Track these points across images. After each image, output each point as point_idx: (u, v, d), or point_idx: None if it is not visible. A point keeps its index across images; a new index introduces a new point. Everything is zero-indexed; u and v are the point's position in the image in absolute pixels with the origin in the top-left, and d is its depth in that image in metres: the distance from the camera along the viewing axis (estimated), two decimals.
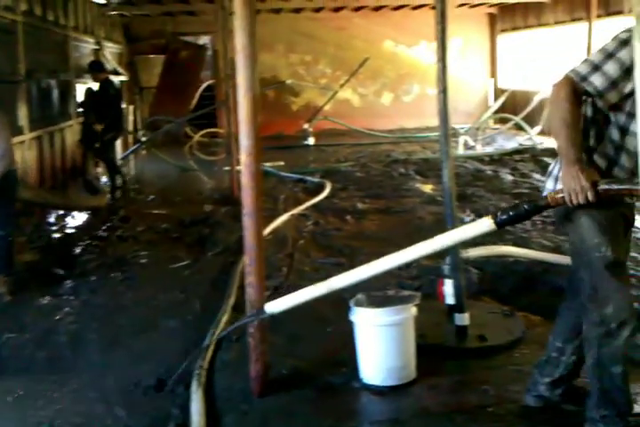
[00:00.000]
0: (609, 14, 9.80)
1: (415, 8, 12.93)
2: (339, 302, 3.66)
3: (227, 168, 8.01)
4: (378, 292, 3.01)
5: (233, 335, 3.24)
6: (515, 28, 13.39)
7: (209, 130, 11.97)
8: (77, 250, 5.00)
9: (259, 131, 2.96)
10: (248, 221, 2.87)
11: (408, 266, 4.12)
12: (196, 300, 3.80)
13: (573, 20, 11.04)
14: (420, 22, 13.01)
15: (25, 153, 6.72)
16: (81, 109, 8.30)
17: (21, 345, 3.20)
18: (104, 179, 8.37)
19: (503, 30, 13.91)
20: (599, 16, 9.04)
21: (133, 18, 12.81)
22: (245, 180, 2.89)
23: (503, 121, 12.07)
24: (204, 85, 14.05)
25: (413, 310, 2.80)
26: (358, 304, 2.80)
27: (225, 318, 3.42)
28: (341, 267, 4.32)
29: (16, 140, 6.44)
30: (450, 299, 3.18)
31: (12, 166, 4.00)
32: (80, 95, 8.51)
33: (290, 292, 3.83)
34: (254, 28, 2.85)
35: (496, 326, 3.28)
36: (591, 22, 7.86)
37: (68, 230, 5.62)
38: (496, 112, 11.70)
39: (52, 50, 8.03)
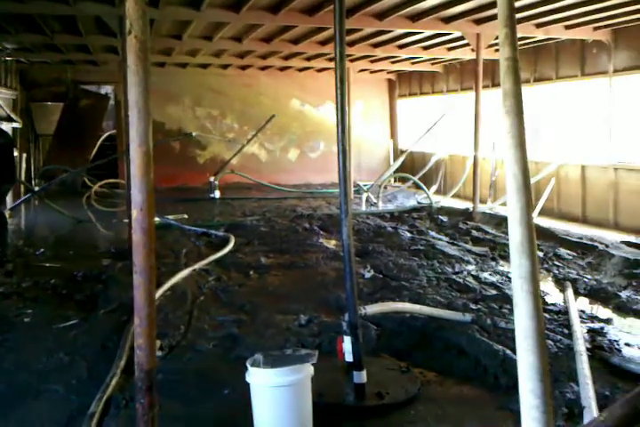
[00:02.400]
0: (494, 85, 10.79)
1: (319, 70, 13.55)
2: (238, 362, 3.57)
3: (126, 220, 7.74)
4: (276, 351, 2.96)
5: (122, 400, 3.04)
6: (412, 94, 14.34)
7: (109, 180, 11.59)
8: None
9: (152, 185, 2.90)
10: (139, 280, 2.74)
11: (309, 322, 4.11)
12: (82, 362, 3.54)
13: (464, 89, 12.04)
14: (324, 83, 13.63)
15: None
16: None
17: None
18: None
19: (402, 95, 14.84)
20: (485, 86, 9.91)
21: (31, 64, 12.44)
22: (136, 236, 2.78)
23: (403, 180, 12.69)
24: (105, 135, 13.75)
25: (310, 369, 2.76)
26: (254, 364, 2.72)
27: (114, 382, 3.21)
28: (242, 324, 4.24)
29: None
30: (349, 356, 3.19)
31: None
32: None
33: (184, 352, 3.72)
34: (148, 84, 2.85)
35: (393, 382, 3.31)
36: (478, 92, 8.56)
37: None
38: (396, 171, 12.28)
39: None
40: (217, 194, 11.74)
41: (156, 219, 8.47)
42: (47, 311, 4.55)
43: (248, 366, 2.74)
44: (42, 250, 6.90)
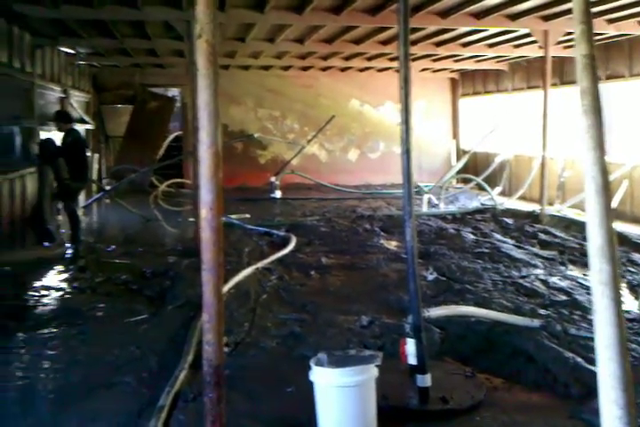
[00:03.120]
0: (563, 83, 10.42)
1: (380, 70, 13.48)
2: (301, 361, 3.61)
3: (191, 219, 7.96)
4: (339, 351, 2.96)
5: (190, 394, 3.12)
6: (475, 93, 14.04)
7: (175, 180, 11.96)
8: (31, 301, 4.80)
9: (221, 186, 2.97)
10: (207, 277, 2.82)
11: (371, 324, 4.10)
12: (152, 356, 3.67)
13: (530, 87, 11.68)
14: (384, 83, 13.57)
15: None
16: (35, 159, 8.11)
17: None
18: (62, 229, 8.18)
19: (464, 94, 14.56)
20: (554, 85, 9.58)
21: (102, 68, 12.97)
22: (206, 234, 2.86)
23: (465, 181, 12.44)
24: (172, 136, 14.17)
25: (375, 371, 2.76)
26: (318, 364, 2.74)
27: (182, 376, 3.30)
28: (304, 323, 4.28)
29: None
30: (412, 359, 3.16)
31: None
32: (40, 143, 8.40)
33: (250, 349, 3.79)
34: (217, 86, 2.92)
35: (458, 387, 3.25)
36: (547, 90, 8.29)
37: (23, 280, 5.41)
38: (458, 172, 12.07)
39: (16, 96, 8.01)
40: (278, 194, 11.89)
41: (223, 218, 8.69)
42: (119, 306, 4.74)
43: (312, 365, 2.76)
44: (113, 247, 7.18)
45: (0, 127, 7.36)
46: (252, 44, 9.72)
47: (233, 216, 8.86)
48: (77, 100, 11.37)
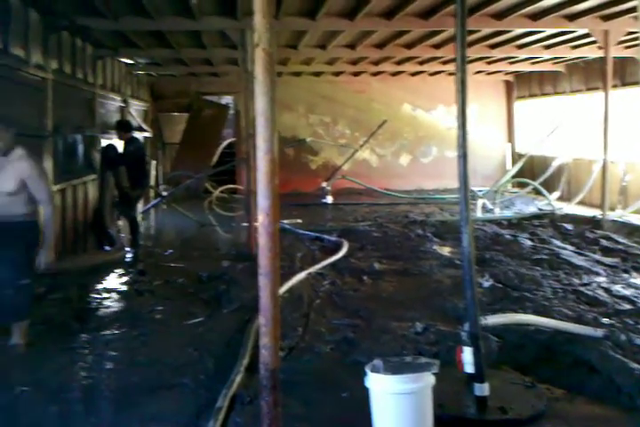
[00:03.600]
0: (624, 85, 10.04)
1: (432, 74, 13.36)
2: (354, 366, 3.61)
3: (245, 224, 8.09)
4: (395, 357, 2.94)
5: (246, 397, 3.17)
6: (532, 95, 13.71)
7: (228, 186, 12.19)
8: (94, 303, 4.99)
9: (277, 192, 3.02)
10: (264, 281, 2.86)
11: (426, 331, 4.05)
12: (209, 358, 3.74)
13: (589, 89, 11.31)
14: (436, 87, 13.45)
15: None
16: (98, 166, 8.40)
17: (35, 399, 3.14)
18: (122, 234, 8.46)
19: (520, 97, 14.24)
20: (615, 86, 9.24)
21: (159, 77, 13.37)
22: (262, 240, 2.91)
23: (521, 185, 12.15)
24: (226, 143, 14.46)
25: (431, 379, 2.72)
26: (374, 370, 2.73)
27: (238, 379, 3.35)
28: (357, 329, 4.27)
29: None
30: (469, 367, 3.10)
31: (36, 216, 4.06)
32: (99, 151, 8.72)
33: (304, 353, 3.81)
34: (274, 93, 2.97)
35: (517, 397, 3.17)
36: (607, 92, 8.01)
37: (85, 283, 5.62)
38: (514, 176, 11.79)
39: (80, 106, 8.35)
40: (329, 199, 11.93)
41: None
42: (176, 309, 4.86)
43: (368, 371, 2.75)
44: (170, 251, 7.37)
45: (64, 136, 7.67)
46: (304, 51, 9.81)
47: (285, 221, 8.95)
48: (136, 109, 11.76)
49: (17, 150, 3.95)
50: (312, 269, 6.00)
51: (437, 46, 9.75)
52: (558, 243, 7.10)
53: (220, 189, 11.76)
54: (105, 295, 5.25)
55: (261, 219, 2.85)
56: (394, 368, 2.72)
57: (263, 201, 2.85)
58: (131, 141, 7.74)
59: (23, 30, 6.23)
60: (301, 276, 5.70)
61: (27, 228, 3.92)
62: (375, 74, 13.45)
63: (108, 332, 4.26)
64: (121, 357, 3.79)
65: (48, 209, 3.97)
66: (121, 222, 8.78)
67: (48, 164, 6.93)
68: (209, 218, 10.03)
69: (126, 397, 3.22)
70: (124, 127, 7.90)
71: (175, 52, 9.30)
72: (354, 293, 5.27)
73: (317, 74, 13.27)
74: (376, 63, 11.75)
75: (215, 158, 13.63)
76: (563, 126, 10.87)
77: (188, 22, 7.10)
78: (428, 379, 2.68)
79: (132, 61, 10.79)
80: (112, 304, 5.00)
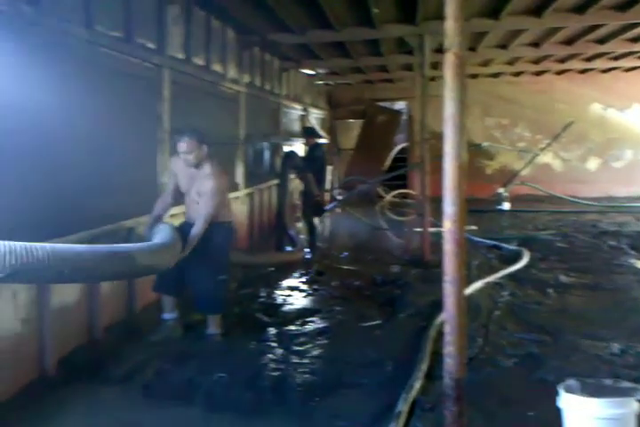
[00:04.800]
0: None
1: (627, 70, 12.15)
2: (541, 384, 3.41)
3: (418, 229, 8.05)
4: (591, 379, 2.72)
5: (426, 404, 3.15)
6: None
7: (401, 191, 12.24)
8: (279, 299, 5.32)
9: (464, 198, 2.96)
10: (449, 289, 2.83)
11: (623, 352, 3.69)
12: (388, 361, 3.78)
13: None
14: (632, 84, 12.20)
15: (239, 207, 7.50)
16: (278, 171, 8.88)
17: (231, 385, 3.43)
18: (301, 235, 8.91)
19: None
20: None
21: (336, 86, 13.87)
22: (448, 246, 2.88)
23: None
24: (398, 148, 14.54)
25: (636, 406, 2.47)
26: (569, 391, 2.55)
27: (418, 385, 3.34)
28: (543, 345, 4.03)
29: (233, 195, 7.24)
30: None
31: (230, 217, 4.38)
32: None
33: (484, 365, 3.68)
34: (464, 98, 2.92)
35: None
36: None
37: (270, 280, 6.01)
38: None
39: (266, 116, 8.98)
40: (506, 206, 11.41)
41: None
42: (353, 310, 4.99)
43: (562, 391, 2.58)
44: (345, 253, 7.60)
45: (253, 144, 8.31)
46: (483, 52, 9.51)
47: None
48: (315, 117, 12.34)
49: (206, 167, 4.10)
50: (490, 279, 5.78)
51: (634, 40, 8.88)
52: None
53: (392, 193, 11.86)
54: (288, 292, 5.57)
55: (447, 225, 2.82)
56: (591, 391, 2.52)
57: (450, 207, 2.83)
58: (315, 147, 8.16)
59: (221, 48, 6.88)
60: (478, 285, 5.52)
61: (222, 229, 4.21)
62: (560, 72, 12.60)
63: (292, 327, 4.51)
64: (305, 352, 3.98)
65: (199, 222, 4.02)
66: (300, 225, 9.26)
67: (240, 170, 7.57)
68: (381, 222, 10.17)
69: (311, 391, 3.38)
70: (310, 133, 8.35)
71: (353, 61, 9.60)
72: (537, 306, 4.97)
73: (496, 75, 12.78)
74: (562, 61, 11.01)
75: (388, 163, 13.78)
76: None
77: (369, 31, 7.28)
78: (633, 405, 2.44)
79: (312, 72, 11.35)
80: (295, 301, 5.29)
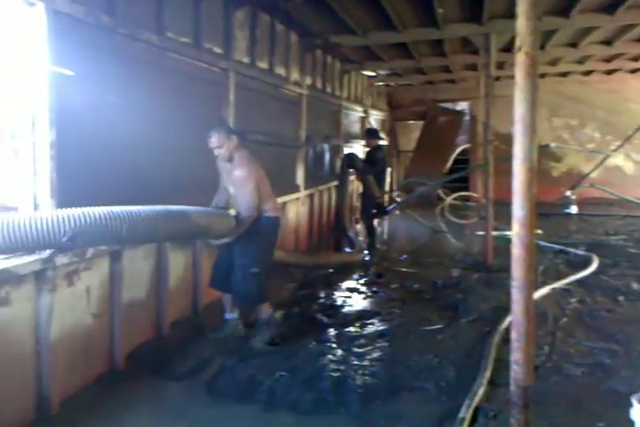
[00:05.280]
0: None
1: None
2: (611, 395, 3.28)
3: (480, 233, 7.89)
4: None
5: (489, 411, 3.08)
6: None
7: (462, 193, 12.02)
8: (339, 301, 5.33)
9: (534, 201, 2.88)
10: (517, 295, 2.76)
11: None
12: (449, 367, 3.72)
13: None
14: None
15: (299, 208, 7.57)
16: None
17: (291, 385, 3.46)
18: (360, 237, 8.90)
19: None
20: None
21: (397, 87, 13.76)
22: (517, 251, 2.81)
23: None
24: (459, 149, 14.28)
25: None
26: None
27: (481, 391, 3.28)
28: (614, 354, 3.87)
29: (294, 196, 7.32)
30: None
31: (274, 212, 4.22)
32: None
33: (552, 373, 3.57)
34: (535, 99, 2.83)
35: None
36: None
37: (330, 281, 6.03)
38: None
39: (327, 118, 9.02)
40: (573, 209, 11.02)
41: (510, 233, 8.41)
42: (413, 313, 4.94)
43: (635, 402, 2.46)
44: (405, 256, 7.53)
45: (314, 146, 8.36)
46: (551, 51, 9.22)
47: None
48: (375, 119, 12.30)
49: (236, 157, 4.05)
50: (557, 285, 5.59)
51: None
52: None
53: (453, 195, 11.66)
54: (347, 294, 5.57)
55: (516, 229, 2.76)
56: None
57: (519, 211, 2.76)
58: (377, 149, 8.14)
59: (285, 51, 6.97)
60: (545, 291, 5.35)
61: (263, 223, 4.10)
62: (633, 71, 12.04)
63: (352, 329, 4.50)
64: (365, 353, 3.97)
65: (242, 214, 3.98)
66: (359, 226, 9.26)
67: (300, 172, 7.64)
68: (441, 225, 10.02)
69: (371, 393, 3.37)
70: (373, 135, 8.34)
71: (415, 62, 9.51)
72: (607, 314, 4.77)
73: (564, 74, 12.36)
74: (635, 59, 10.52)
75: (448, 165, 13.56)
76: None
77: (433, 32, 7.20)
78: None
79: (373, 73, 11.31)
80: (354, 303, 5.28)
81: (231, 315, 4.46)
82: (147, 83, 4.08)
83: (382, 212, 8.11)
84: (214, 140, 4.02)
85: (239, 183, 3.99)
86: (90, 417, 3.15)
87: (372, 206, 8.02)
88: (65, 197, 3.20)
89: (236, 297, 4.29)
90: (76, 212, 2.71)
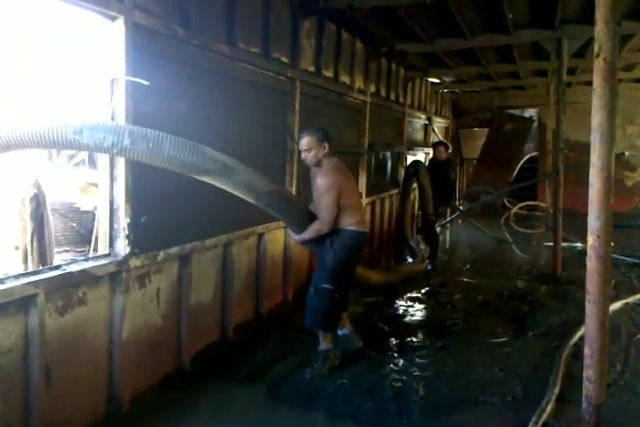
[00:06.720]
0: None
1: None
2: None
3: (547, 244, 7.64)
4: None
5: None
6: None
7: (528, 202, 11.67)
8: (401, 310, 5.28)
9: (611, 212, 2.77)
10: (592, 309, 2.68)
11: None
12: (516, 381, 3.62)
13: None
14: None
15: None
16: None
17: (353, 393, 3.45)
18: (421, 246, 8.79)
19: None
20: None
21: (462, 94, 13.55)
22: (591, 264, 2.73)
23: None
24: (526, 157, 13.90)
25: None
26: None
27: (549, 408, 3.17)
28: None
29: None
30: None
31: (359, 227, 3.84)
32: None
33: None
34: (614, 107, 2.73)
35: None
36: None
37: (391, 291, 5.97)
38: None
39: (390, 125, 8.98)
40: None
41: (579, 244, 8.09)
42: (477, 325, 4.83)
43: None
44: (467, 266, 7.38)
45: (377, 153, 8.34)
46: (627, 57, 8.85)
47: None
48: (438, 126, 12.15)
49: (324, 164, 3.83)
50: (630, 300, 5.34)
51: None
52: None
53: (519, 205, 11.34)
54: (410, 303, 5.51)
55: (591, 241, 2.68)
56: None
57: (594, 222, 2.68)
58: (447, 162, 8.07)
59: (349, 59, 7.00)
60: (617, 305, 5.13)
61: (343, 237, 3.77)
62: None
63: (414, 339, 4.45)
64: (427, 365, 3.91)
65: (312, 226, 3.72)
66: (420, 236, 9.14)
67: (363, 179, 7.64)
68: (505, 235, 9.77)
69: (434, 405, 3.32)
70: (445, 146, 8.28)
71: (483, 68, 9.34)
72: None
73: (639, 80, 11.83)
74: None
75: (514, 173, 13.22)
76: None
77: (501, 37, 7.06)
78: None
79: (438, 80, 11.19)
80: (417, 313, 5.22)
81: (342, 330, 4.22)
82: (217, 92, 4.20)
83: (427, 230, 7.93)
84: (304, 142, 3.82)
85: (319, 192, 3.75)
86: (157, 416, 3.24)
87: (423, 221, 7.93)
88: (138, 202, 3.34)
89: (308, 317, 3.90)
90: (135, 127, 2.81)
